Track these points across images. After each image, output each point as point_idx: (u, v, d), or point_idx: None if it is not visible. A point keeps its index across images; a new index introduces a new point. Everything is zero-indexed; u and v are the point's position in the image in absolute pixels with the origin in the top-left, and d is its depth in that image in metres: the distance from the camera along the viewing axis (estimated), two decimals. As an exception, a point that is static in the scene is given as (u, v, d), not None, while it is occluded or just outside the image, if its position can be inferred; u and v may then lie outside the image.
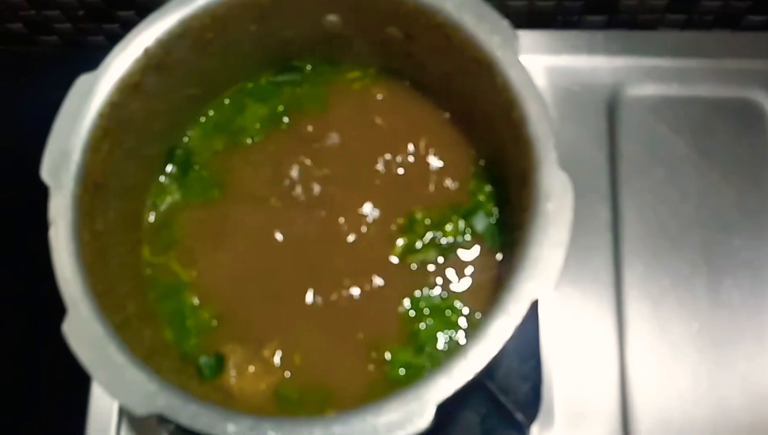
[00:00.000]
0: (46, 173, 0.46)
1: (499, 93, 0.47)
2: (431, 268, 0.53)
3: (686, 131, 0.65)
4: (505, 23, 0.47)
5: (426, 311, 0.52)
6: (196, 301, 0.53)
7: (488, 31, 0.47)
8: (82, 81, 0.48)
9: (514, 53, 0.47)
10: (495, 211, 0.54)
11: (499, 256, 0.53)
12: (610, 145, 0.65)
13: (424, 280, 0.53)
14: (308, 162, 0.56)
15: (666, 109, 0.66)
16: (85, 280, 0.45)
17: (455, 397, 0.41)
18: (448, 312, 0.52)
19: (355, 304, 0.52)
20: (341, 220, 0.54)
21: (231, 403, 0.50)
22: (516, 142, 0.46)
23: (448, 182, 0.55)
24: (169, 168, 0.56)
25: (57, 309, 0.44)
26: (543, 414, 0.59)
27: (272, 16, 0.52)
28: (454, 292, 0.52)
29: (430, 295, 0.52)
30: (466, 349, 0.41)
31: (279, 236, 0.54)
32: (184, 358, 0.52)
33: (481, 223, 0.53)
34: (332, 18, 0.53)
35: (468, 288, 0.52)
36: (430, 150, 0.55)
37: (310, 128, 0.57)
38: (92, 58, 0.49)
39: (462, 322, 0.52)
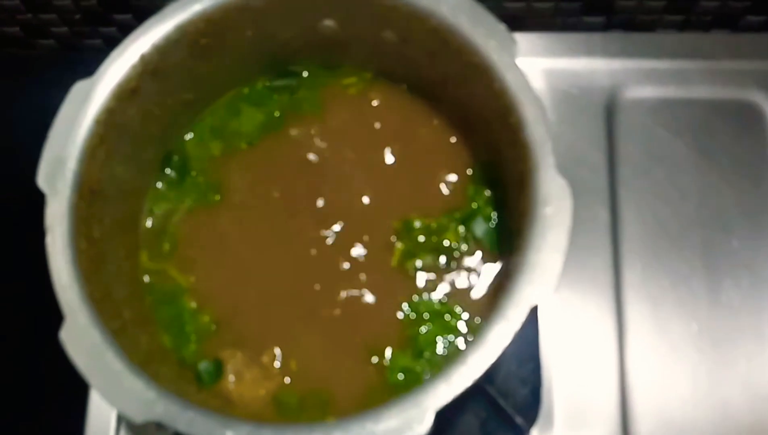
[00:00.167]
0: (42, 180, 0.46)
1: (496, 97, 0.47)
2: (430, 272, 0.53)
3: (685, 133, 0.65)
4: (501, 27, 0.47)
5: (426, 316, 0.52)
6: (194, 306, 0.53)
7: (484, 35, 0.47)
8: (79, 87, 0.48)
9: (511, 57, 0.47)
10: (494, 215, 0.54)
11: (498, 261, 0.52)
12: (608, 147, 0.65)
13: (424, 284, 0.53)
14: (305, 167, 0.56)
15: (665, 111, 0.66)
16: (82, 286, 0.45)
17: (454, 402, 0.41)
18: (447, 316, 0.52)
19: (354, 309, 0.52)
20: (339, 225, 0.54)
21: (230, 410, 0.50)
22: (514, 147, 0.46)
23: (446, 187, 0.55)
24: (166, 173, 0.56)
25: (56, 313, 0.44)
26: (542, 417, 0.59)
27: (268, 21, 0.52)
28: (454, 296, 0.52)
29: (429, 300, 0.52)
30: (465, 355, 0.41)
31: (277, 241, 0.54)
32: (183, 364, 0.52)
33: (480, 227, 0.53)
34: (328, 22, 0.53)
35: (467, 292, 0.52)
36: (427, 154, 0.55)
37: (306, 133, 0.57)
38: (89, 62, 0.49)
39: (461, 326, 0.51)
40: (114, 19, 0.75)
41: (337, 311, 0.52)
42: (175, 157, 0.56)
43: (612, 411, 0.60)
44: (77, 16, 0.75)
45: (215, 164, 0.57)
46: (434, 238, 0.53)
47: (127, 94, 0.49)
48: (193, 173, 0.56)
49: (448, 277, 0.53)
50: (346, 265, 0.53)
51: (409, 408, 0.40)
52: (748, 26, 0.72)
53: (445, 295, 0.52)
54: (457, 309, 0.52)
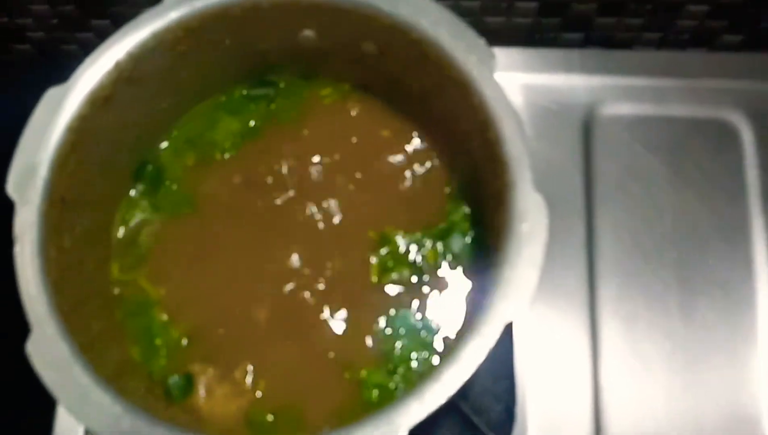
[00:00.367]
0: (12, 188, 0.45)
1: (474, 112, 0.47)
2: (407, 287, 0.52)
3: (662, 150, 0.65)
4: (481, 42, 0.47)
5: (401, 331, 0.51)
6: (165, 318, 0.52)
7: (464, 50, 0.47)
8: (51, 94, 0.47)
9: (490, 72, 0.47)
10: (471, 231, 0.53)
11: (474, 277, 0.52)
12: (585, 163, 0.65)
13: (400, 299, 0.52)
14: (281, 178, 0.55)
15: (642, 128, 0.66)
16: (50, 298, 0.44)
17: (428, 419, 0.40)
18: (423, 332, 0.51)
19: (329, 324, 0.52)
20: (314, 237, 0.53)
21: (200, 426, 0.49)
22: (491, 162, 0.46)
23: (423, 201, 0.54)
24: (139, 183, 0.55)
25: (21, 324, 0.43)
26: (516, 434, 0.59)
27: (246, 30, 0.52)
28: (430, 312, 0.52)
29: (405, 315, 0.52)
30: (439, 372, 0.41)
31: (250, 254, 0.53)
32: (152, 378, 0.51)
33: (457, 243, 0.53)
34: (308, 33, 0.53)
35: (443, 308, 0.52)
36: (404, 168, 0.55)
37: (283, 144, 0.56)
38: (65, 67, 0.49)
39: (437, 342, 0.51)
40: (91, 25, 0.74)
41: (311, 326, 0.52)
42: (149, 167, 0.56)
43: (586, 428, 0.60)
44: (54, 21, 0.74)
45: (190, 174, 0.56)
46: (411, 254, 0.53)
47: (100, 101, 0.48)
48: (168, 183, 0.56)
49: (425, 292, 0.52)
50: (320, 280, 0.53)
51: (381, 426, 0.40)
52: (724, 45, 0.73)
53: (421, 310, 0.52)
54: (433, 325, 0.51)
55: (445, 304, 0.52)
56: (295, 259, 0.53)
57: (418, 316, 0.52)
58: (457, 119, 0.50)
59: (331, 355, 0.51)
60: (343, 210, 0.54)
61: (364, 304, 0.52)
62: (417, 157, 0.55)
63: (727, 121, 0.66)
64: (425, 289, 0.52)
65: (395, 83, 0.54)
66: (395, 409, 0.40)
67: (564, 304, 0.62)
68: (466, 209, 0.54)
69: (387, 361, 0.51)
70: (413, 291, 0.52)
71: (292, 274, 0.53)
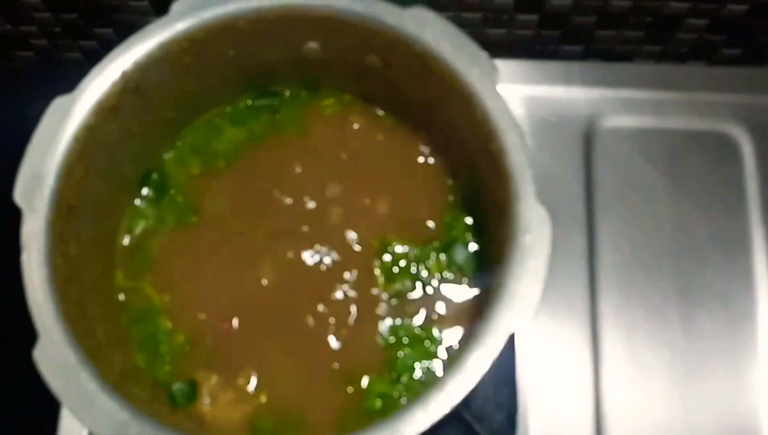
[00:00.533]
0: (19, 197, 0.46)
1: (477, 124, 0.47)
2: (411, 297, 0.53)
3: (661, 163, 0.66)
4: (484, 55, 0.48)
5: (405, 340, 0.52)
6: (169, 325, 0.53)
7: (467, 63, 0.48)
8: (58, 103, 0.48)
9: (493, 84, 0.47)
10: (473, 242, 0.54)
11: (477, 287, 0.53)
12: (586, 174, 0.66)
13: (404, 309, 0.52)
14: (284, 188, 0.56)
15: (641, 141, 0.66)
16: (57, 305, 0.44)
17: (431, 427, 0.41)
18: (426, 342, 0.51)
19: (332, 332, 0.52)
20: (318, 247, 0.54)
21: (204, 432, 0.49)
22: (494, 174, 0.47)
23: (426, 211, 0.55)
24: (144, 191, 0.56)
25: (27, 330, 0.43)
26: (517, 443, 0.59)
27: (251, 41, 0.52)
28: (433, 321, 0.52)
29: (409, 325, 0.52)
30: (443, 382, 0.41)
31: (254, 263, 0.54)
32: (157, 385, 0.51)
33: (460, 254, 0.53)
34: (312, 45, 0.53)
35: (447, 318, 0.52)
36: (407, 178, 0.56)
37: (287, 153, 0.57)
38: (68, 75, 0.49)
39: (440, 352, 0.51)
40: (94, 33, 0.74)
41: (315, 334, 0.52)
42: (154, 175, 0.56)
43: (586, 437, 0.60)
44: (57, 29, 0.74)
45: (194, 183, 0.56)
46: (415, 263, 0.53)
47: (107, 111, 0.49)
48: (172, 192, 0.56)
49: (428, 302, 0.53)
50: (324, 288, 0.53)
51: (386, 434, 0.40)
52: (724, 59, 0.73)
53: (425, 320, 0.52)
54: (437, 334, 0.52)
55: (449, 314, 0.52)
56: (297, 267, 0.53)
57: (422, 325, 0.52)
58: (460, 131, 0.50)
59: (335, 363, 0.51)
60: (347, 219, 0.55)
61: (368, 312, 0.52)
62: (419, 167, 0.56)
63: (727, 134, 0.67)
64: (429, 298, 0.53)
65: (398, 95, 0.55)
66: (400, 417, 0.40)
67: (565, 313, 0.62)
68: (469, 220, 0.54)
69: (390, 369, 0.51)
70: (417, 300, 0.53)
71: (295, 282, 0.53)
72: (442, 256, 0.53)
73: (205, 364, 0.52)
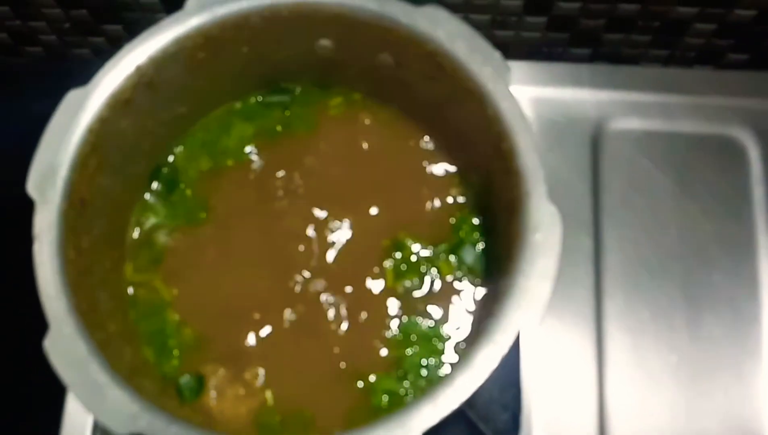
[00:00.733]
0: (32, 187, 0.46)
1: (489, 124, 0.47)
2: (419, 294, 0.53)
3: (668, 166, 0.66)
4: (497, 54, 0.48)
5: (413, 338, 0.52)
6: (177, 319, 0.53)
7: (480, 62, 0.48)
8: (72, 96, 0.48)
9: (506, 85, 0.47)
10: (482, 240, 0.54)
11: (485, 285, 0.53)
12: (593, 177, 0.66)
13: (412, 306, 0.53)
14: (294, 184, 0.56)
15: (649, 144, 0.67)
16: (69, 297, 0.44)
17: (435, 426, 0.41)
18: (434, 340, 0.52)
19: (340, 328, 0.52)
20: (327, 243, 0.54)
21: (211, 426, 0.49)
22: (505, 174, 0.47)
23: (436, 210, 0.55)
24: (154, 186, 0.56)
25: (32, 321, 0.43)
26: (521, 443, 0.59)
27: (265, 38, 0.52)
28: (442, 319, 0.52)
29: (417, 322, 0.52)
30: (452, 378, 0.42)
31: (263, 258, 0.54)
32: (164, 378, 0.51)
33: (469, 255, 0.53)
34: (325, 43, 0.53)
35: (454, 316, 0.52)
36: (417, 177, 0.56)
37: (297, 150, 0.57)
38: (77, 71, 0.49)
39: (448, 350, 0.52)
40: (104, 30, 0.75)
41: (322, 330, 0.52)
42: (165, 170, 0.56)
43: (590, 438, 0.60)
44: (66, 25, 0.74)
45: (204, 178, 0.57)
46: (424, 261, 0.53)
47: (120, 104, 0.49)
48: (182, 186, 0.56)
49: (436, 299, 0.53)
50: (333, 285, 0.53)
51: (394, 428, 0.41)
52: (731, 64, 0.74)
53: (433, 317, 0.52)
54: (444, 332, 0.52)
55: (456, 312, 0.52)
56: (305, 264, 0.54)
57: (430, 323, 0.52)
58: (472, 130, 0.50)
59: (342, 359, 0.51)
60: (357, 217, 0.55)
61: (376, 309, 0.52)
62: (430, 166, 0.56)
63: (734, 138, 0.67)
64: (437, 296, 0.53)
65: (409, 94, 0.55)
66: (408, 412, 0.41)
67: (571, 315, 0.62)
68: (477, 219, 0.54)
69: (397, 367, 0.51)
70: (425, 298, 0.53)
71: (305, 278, 0.53)
72: (452, 258, 0.53)
73: (213, 358, 0.52)
